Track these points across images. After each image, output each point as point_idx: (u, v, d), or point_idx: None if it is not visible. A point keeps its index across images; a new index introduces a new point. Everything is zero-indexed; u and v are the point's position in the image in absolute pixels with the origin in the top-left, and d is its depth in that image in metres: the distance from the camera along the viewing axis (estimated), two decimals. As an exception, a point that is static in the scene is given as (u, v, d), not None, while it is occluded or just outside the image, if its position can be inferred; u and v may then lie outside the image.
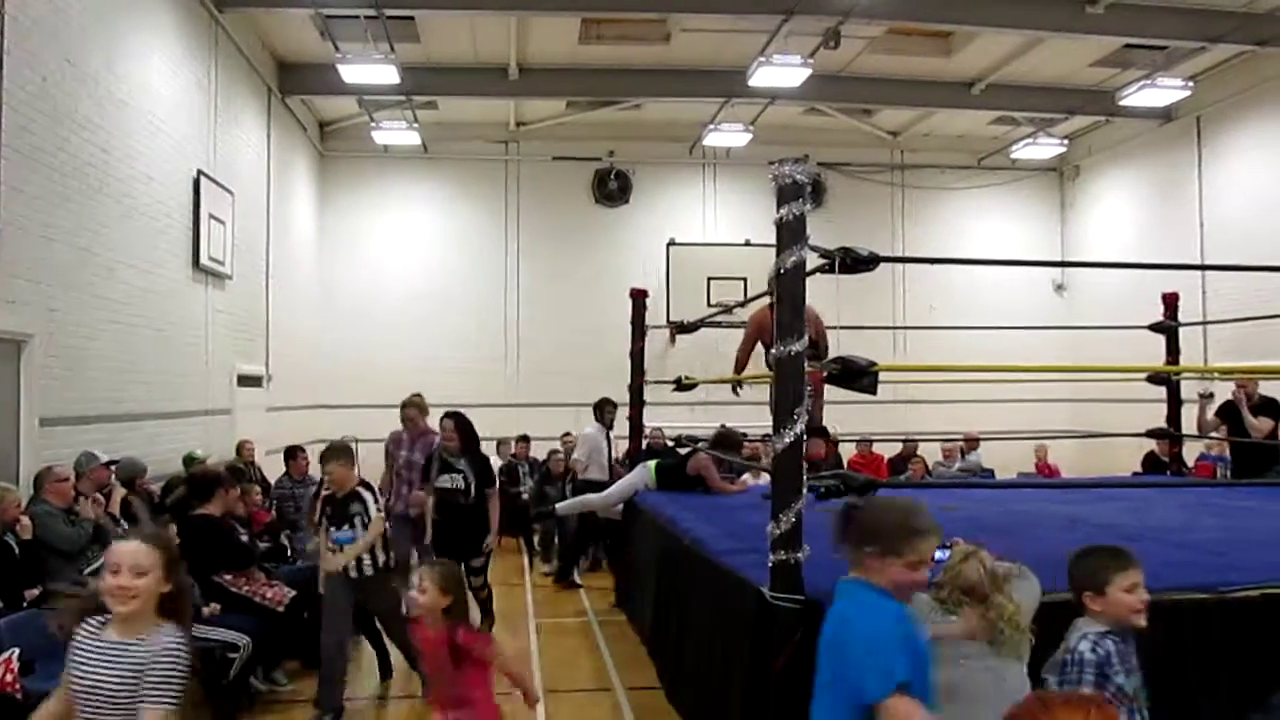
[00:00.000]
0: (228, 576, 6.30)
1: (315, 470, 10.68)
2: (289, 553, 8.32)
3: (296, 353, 14.22)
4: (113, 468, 7.16)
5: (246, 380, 11.75)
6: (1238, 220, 13.41)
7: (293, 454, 9.91)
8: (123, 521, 6.69)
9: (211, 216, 10.39)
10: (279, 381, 13.11)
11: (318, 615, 6.39)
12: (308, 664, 6.68)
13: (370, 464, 15.16)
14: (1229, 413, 8.88)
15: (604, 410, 10.52)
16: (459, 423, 7.74)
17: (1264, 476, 8.29)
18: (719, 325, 13.24)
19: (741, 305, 9.39)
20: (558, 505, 9.83)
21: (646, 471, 8.40)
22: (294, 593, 6.49)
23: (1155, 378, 8.68)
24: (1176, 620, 4.05)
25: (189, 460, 8.98)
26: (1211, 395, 9.04)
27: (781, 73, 12.15)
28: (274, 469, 10.76)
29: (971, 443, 13.34)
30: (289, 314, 13.85)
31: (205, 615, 5.85)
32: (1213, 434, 9.20)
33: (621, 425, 9.95)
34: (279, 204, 13.42)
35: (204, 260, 10.19)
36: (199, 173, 10.13)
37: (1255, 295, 12.13)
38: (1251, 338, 11.94)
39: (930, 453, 14.19)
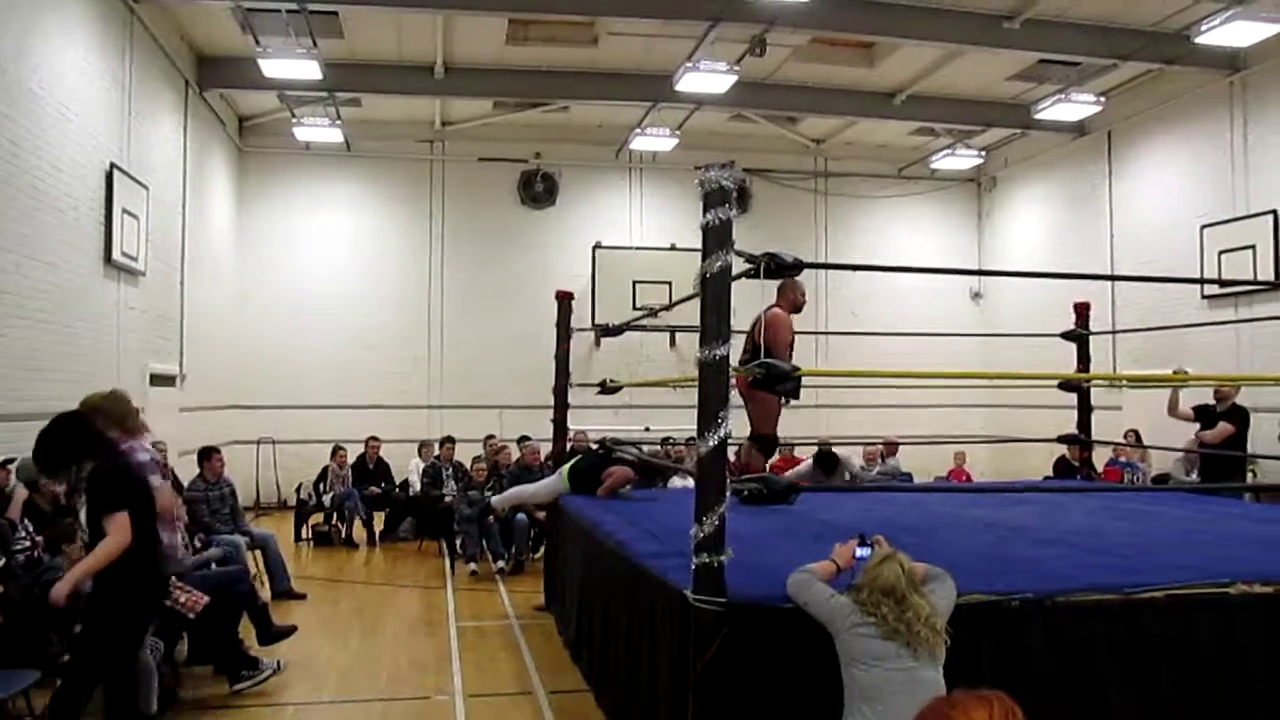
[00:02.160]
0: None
1: (230, 472, 10.49)
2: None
3: (212, 352, 13.89)
4: (10, 467, 6.91)
5: (159, 379, 11.44)
6: (1145, 232, 13.89)
7: (207, 455, 9.65)
8: (25, 521, 6.45)
9: (125, 211, 10.10)
10: (193, 381, 12.79)
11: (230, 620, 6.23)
12: (220, 670, 6.53)
13: (289, 468, 15.01)
14: (1205, 414, 9.50)
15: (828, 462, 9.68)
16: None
17: (1229, 485, 8.70)
18: (644, 329, 13.31)
19: (666, 309, 9.41)
20: (493, 500, 9.82)
21: (560, 477, 8.34)
22: (208, 599, 6.31)
23: (1067, 384, 8.92)
24: (1085, 620, 4.16)
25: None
26: (1186, 373, 9.74)
27: (708, 79, 12.25)
28: (187, 471, 10.48)
29: (891, 447, 13.58)
30: (205, 312, 13.52)
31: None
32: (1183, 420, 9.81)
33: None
34: (195, 199, 13.09)
35: (116, 256, 9.90)
36: (112, 166, 9.84)
37: (1161, 304, 12.57)
38: (1157, 346, 12.37)
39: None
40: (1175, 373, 9.72)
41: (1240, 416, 9.47)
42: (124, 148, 10.29)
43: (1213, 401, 9.72)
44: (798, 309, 7.32)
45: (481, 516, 10.69)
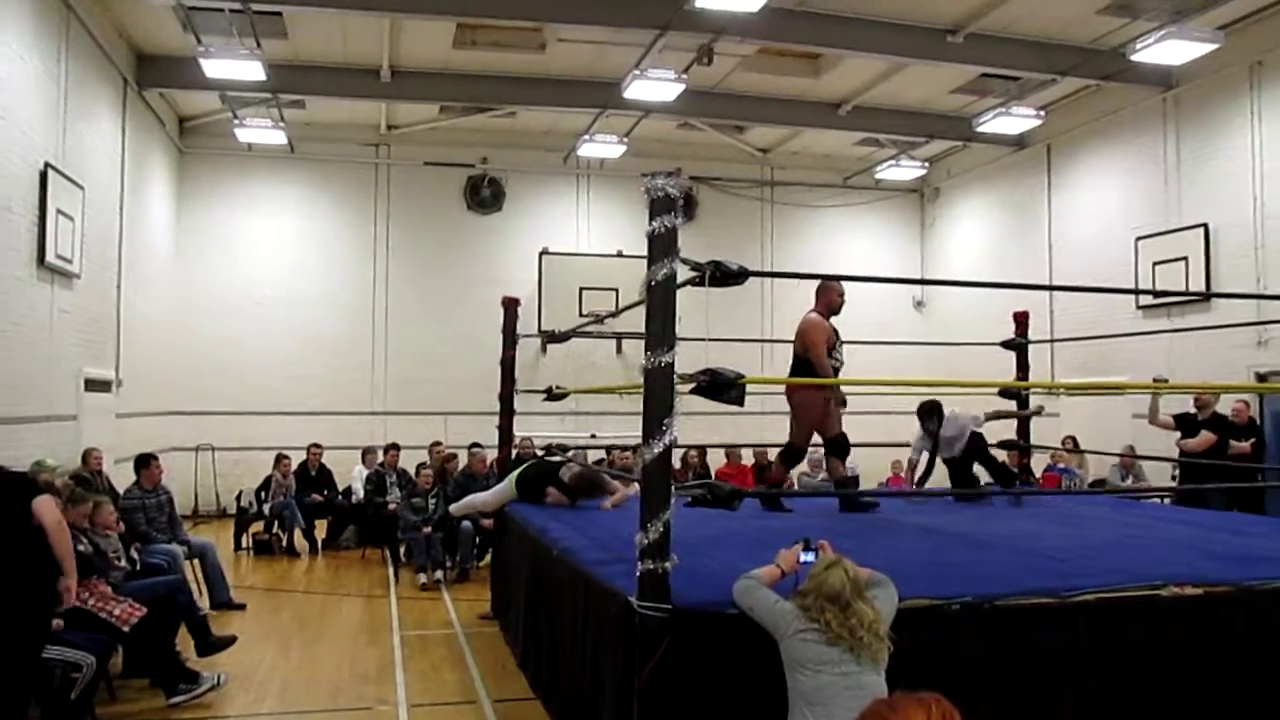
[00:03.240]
0: (70, 590, 5.95)
1: (168, 479, 10.30)
2: (137, 566, 7.90)
3: (150, 356, 13.62)
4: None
5: (94, 385, 11.19)
6: (1083, 242, 14.20)
7: (145, 462, 9.45)
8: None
9: (59, 212, 9.87)
10: (130, 386, 12.53)
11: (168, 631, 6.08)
12: (156, 682, 6.39)
13: (229, 475, 14.77)
14: (1186, 423, 9.70)
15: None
16: None
17: (1206, 496, 8.84)
18: (591, 335, 13.29)
19: (613, 315, 9.40)
20: (451, 506, 9.71)
21: (509, 484, 8.28)
22: (144, 611, 6.17)
23: (1006, 392, 9.08)
24: (1023, 622, 4.23)
25: (37, 469, 8.49)
26: (1167, 381, 9.96)
27: (655, 86, 12.28)
28: (123, 479, 10.26)
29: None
30: (142, 316, 13.25)
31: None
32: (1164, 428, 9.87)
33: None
34: (133, 201, 12.84)
35: (50, 258, 9.67)
36: (46, 166, 9.61)
37: (1098, 314, 12.82)
38: (1093, 354, 12.62)
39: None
40: (1155, 380, 9.84)
41: (1223, 425, 9.65)
42: (59, 147, 10.06)
43: (1192, 410, 9.89)
44: (835, 311, 7.50)
45: (441, 527, 10.57)
